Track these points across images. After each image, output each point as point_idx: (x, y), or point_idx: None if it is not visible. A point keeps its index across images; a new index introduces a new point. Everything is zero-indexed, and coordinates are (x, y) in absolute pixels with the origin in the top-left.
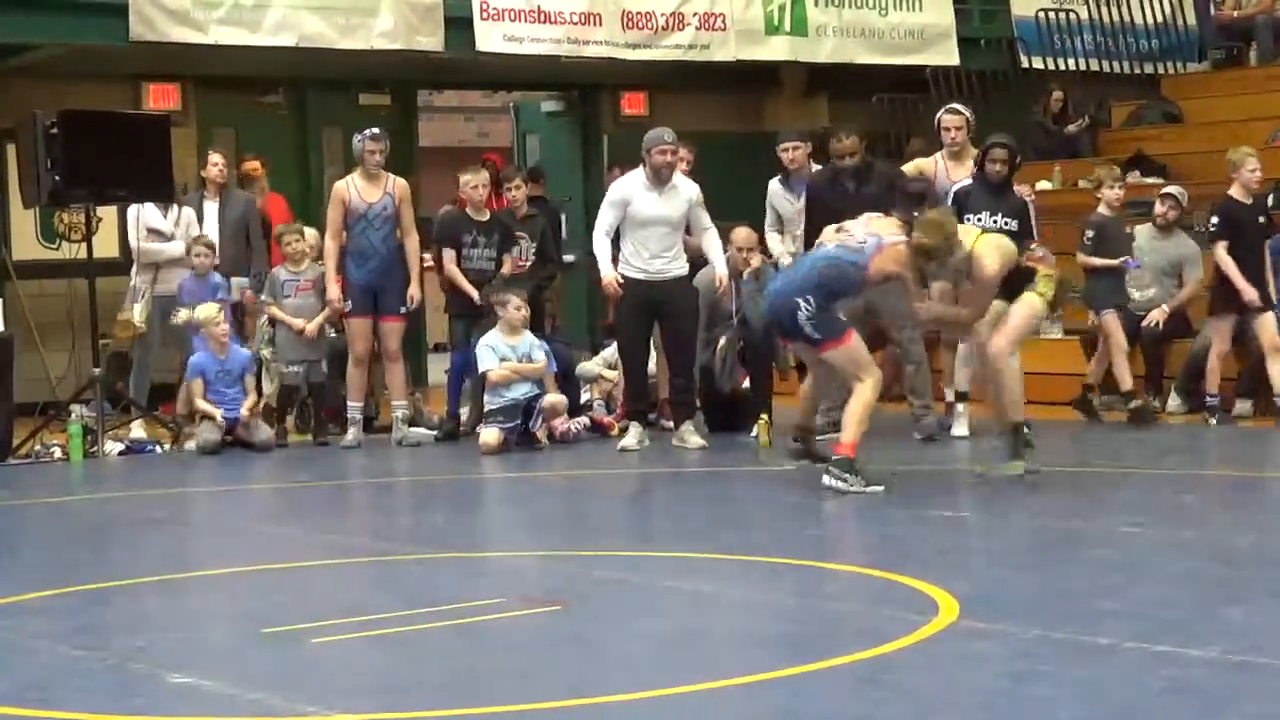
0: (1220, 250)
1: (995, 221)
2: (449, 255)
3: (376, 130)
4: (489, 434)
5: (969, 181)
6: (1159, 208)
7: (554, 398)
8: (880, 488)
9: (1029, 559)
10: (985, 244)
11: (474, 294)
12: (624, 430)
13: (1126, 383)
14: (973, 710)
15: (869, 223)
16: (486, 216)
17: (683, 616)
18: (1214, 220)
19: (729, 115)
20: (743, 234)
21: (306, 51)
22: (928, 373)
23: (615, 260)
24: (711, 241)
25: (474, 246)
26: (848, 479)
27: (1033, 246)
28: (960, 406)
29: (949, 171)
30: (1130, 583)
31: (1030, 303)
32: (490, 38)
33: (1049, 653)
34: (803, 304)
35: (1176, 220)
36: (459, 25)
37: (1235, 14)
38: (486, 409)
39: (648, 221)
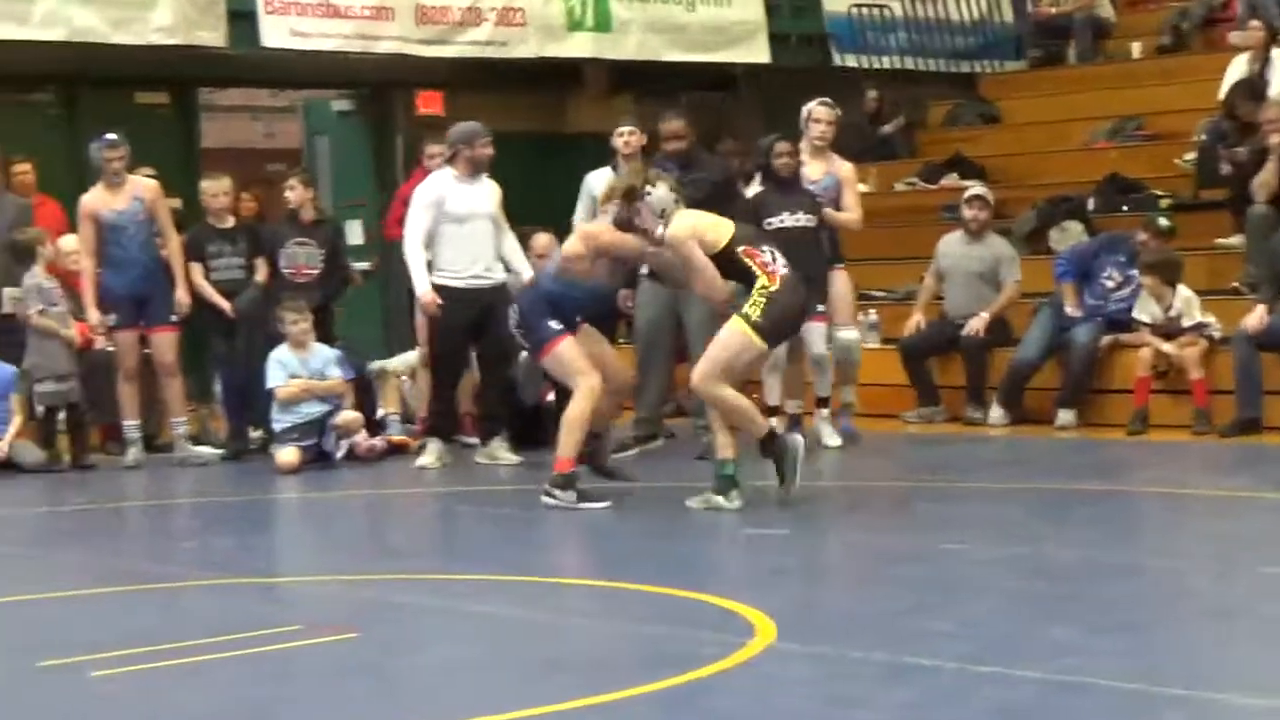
0: None
1: (796, 220)
2: (196, 269)
3: (113, 136)
4: (286, 453)
5: (760, 189)
6: (967, 212)
7: (348, 415)
8: (605, 504)
9: (847, 578)
10: (676, 220)
11: (226, 306)
12: (423, 447)
13: None
14: None
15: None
16: (230, 224)
17: (484, 642)
18: None
19: (530, 115)
20: (543, 240)
21: (78, 47)
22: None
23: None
24: (510, 245)
25: (219, 256)
26: (557, 495)
27: (764, 249)
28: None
29: (807, 168)
30: (952, 602)
31: (733, 329)
32: (276, 33)
33: (869, 674)
34: (510, 313)
35: (987, 222)
36: (243, 19)
37: (1053, 11)
38: (278, 427)
39: (466, 217)
